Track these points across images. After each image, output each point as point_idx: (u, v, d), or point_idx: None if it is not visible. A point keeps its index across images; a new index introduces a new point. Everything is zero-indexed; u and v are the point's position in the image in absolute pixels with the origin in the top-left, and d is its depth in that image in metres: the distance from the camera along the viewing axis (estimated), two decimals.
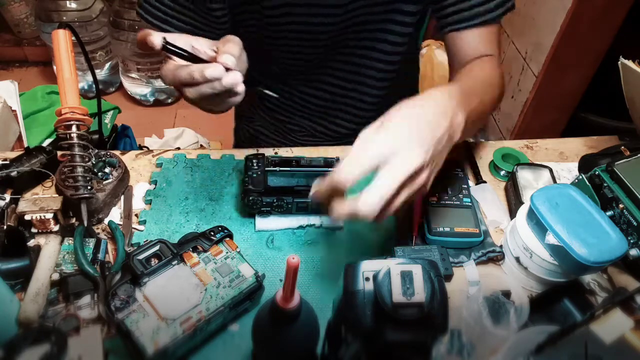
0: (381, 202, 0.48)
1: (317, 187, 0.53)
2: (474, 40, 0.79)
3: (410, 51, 0.89)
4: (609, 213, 0.67)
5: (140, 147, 1.74)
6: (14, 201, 0.68)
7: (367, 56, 0.85)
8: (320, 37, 0.80)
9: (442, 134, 0.52)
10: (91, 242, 0.65)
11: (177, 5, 0.74)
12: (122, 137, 1.59)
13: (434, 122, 0.52)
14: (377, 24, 0.80)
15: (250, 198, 0.68)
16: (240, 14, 0.79)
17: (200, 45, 0.61)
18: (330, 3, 0.74)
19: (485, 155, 0.86)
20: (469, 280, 0.66)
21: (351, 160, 0.49)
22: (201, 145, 2.03)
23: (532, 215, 0.64)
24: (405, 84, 0.98)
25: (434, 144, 0.51)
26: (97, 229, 0.70)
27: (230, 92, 0.58)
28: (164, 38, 0.57)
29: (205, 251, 0.61)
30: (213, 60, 0.58)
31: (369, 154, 0.49)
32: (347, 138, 0.98)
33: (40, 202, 0.67)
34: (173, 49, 0.58)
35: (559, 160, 0.87)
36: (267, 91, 0.67)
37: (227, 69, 0.56)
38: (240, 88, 0.58)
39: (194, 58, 0.59)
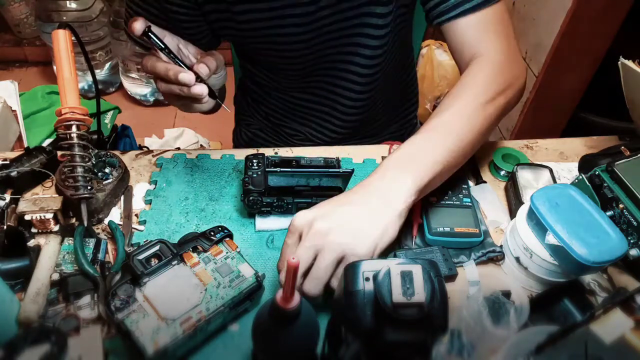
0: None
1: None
2: (467, 30, 0.73)
3: (393, 51, 0.87)
4: (609, 213, 0.67)
5: (140, 147, 1.74)
6: (14, 201, 0.68)
7: (346, 60, 0.84)
8: (297, 45, 0.79)
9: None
10: (91, 242, 0.64)
11: (145, 5, 0.76)
12: (122, 137, 1.59)
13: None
14: (352, 29, 0.79)
15: (251, 198, 0.68)
16: (214, 22, 0.78)
17: (187, 50, 0.67)
18: (297, 12, 0.74)
19: (485, 155, 0.86)
20: (469, 280, 0.66)
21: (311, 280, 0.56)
22: (201, 145, 2.03)
23: (532, 215, 0.64)
24: (394, 84, 0.97)
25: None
26: (97, 229, 0.70)
27: (195, 99, 0.64)
28: (149, 26, 0.61)
29: (205, 251, 0.61)
30: (192, 67, 0.64)
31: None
32: (344, 142, 0.96)
33: (40, 202, 0.67)
34: (154, 38, 0.62)
35: (559, 160, 0.87)
36: (224, 106, 0.74)
37: (200, 79, 0.63)
38: (205, 99, 0.65)
39: (170, 54, 0.63)
